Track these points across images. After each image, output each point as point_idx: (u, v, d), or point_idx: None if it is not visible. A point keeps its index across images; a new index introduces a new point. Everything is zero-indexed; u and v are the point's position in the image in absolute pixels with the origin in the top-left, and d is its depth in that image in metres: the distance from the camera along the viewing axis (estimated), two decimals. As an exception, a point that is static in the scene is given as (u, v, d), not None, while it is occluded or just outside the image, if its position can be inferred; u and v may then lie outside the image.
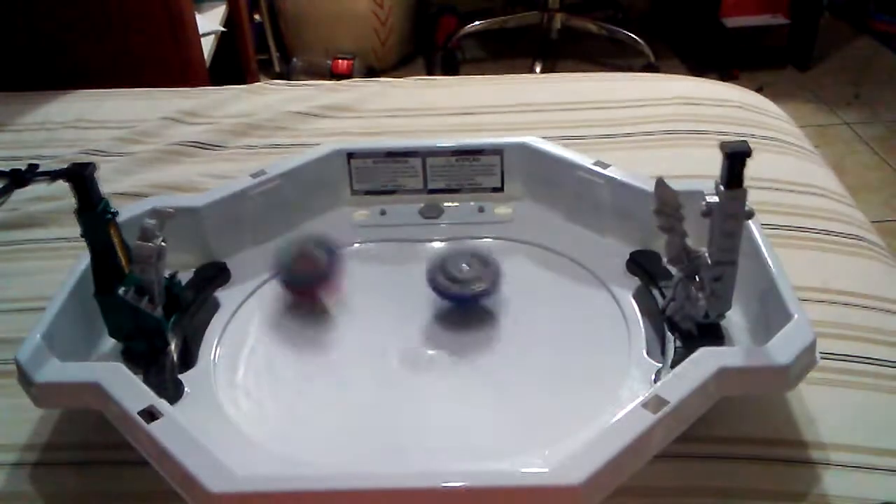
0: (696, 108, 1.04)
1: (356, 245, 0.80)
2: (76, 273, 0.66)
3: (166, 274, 0.67)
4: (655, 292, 0.69)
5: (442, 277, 0.69)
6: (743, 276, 0.62)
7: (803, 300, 0.62)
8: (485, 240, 0.79)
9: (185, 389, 0.62)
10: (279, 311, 0.72)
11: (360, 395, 0.64)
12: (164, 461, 0.52)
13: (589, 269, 0.74)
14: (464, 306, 0.70)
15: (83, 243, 0.63)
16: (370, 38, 2.38)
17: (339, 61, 2.32)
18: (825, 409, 0.62)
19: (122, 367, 0.57)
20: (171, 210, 0.65)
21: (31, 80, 1.35)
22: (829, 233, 0.81)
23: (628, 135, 0.99)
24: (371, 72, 2.38)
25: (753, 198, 0.59)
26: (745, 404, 0.62)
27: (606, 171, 0.77)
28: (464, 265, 0.69)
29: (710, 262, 0.62)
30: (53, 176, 0.96)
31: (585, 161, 0.78)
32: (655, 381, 0.61)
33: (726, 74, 2.33)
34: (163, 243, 0.64)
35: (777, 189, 0.87)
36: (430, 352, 0.67)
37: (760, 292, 0.64)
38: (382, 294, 0.74)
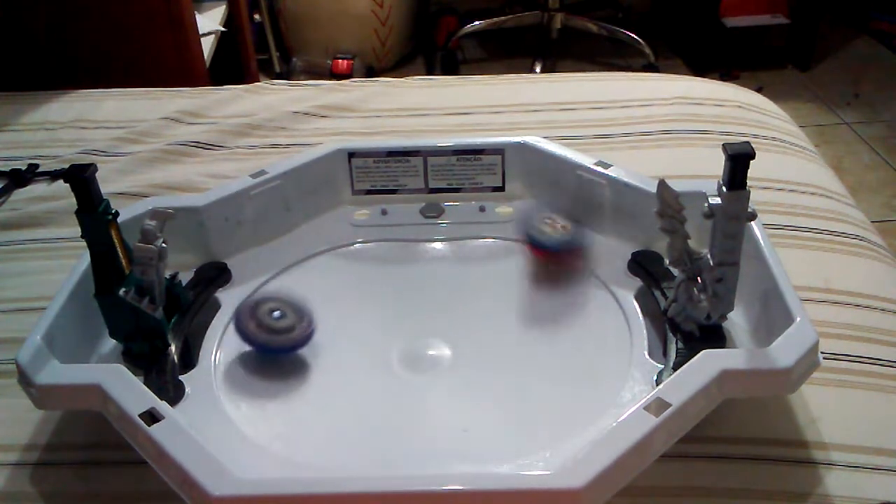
0: (697, 107, 1.04)
1: (356, 245, 0.80)
2: (76, 273, 0.66)
3: (167, 275, 0.67)
4: (657, 293, 0.69)
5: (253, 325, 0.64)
6: (745, 278, 0.62)
7: (804, 300, 0.62)
8: (485, 239, 0.79)
9: (186, 390, 0.62)
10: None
11: (361, 397, 0.64)
12: (165, 464, 0.51)
13: (590, 269, 0.74)
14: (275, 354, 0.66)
15: (83, 243, 0.63)
16: (370, 38, 2.38)
17: (339, 61, 2.32)
18: (826, 409, 0.62)
19: (123, 369, 0.57)
20: (170, 211, 0.65)
21: (31, 80, 1.35)
22: (829, 233, 0.81)
23: (628, 135, 0.99)
24: (371, 72, 2.38)
25: (753, 197, 0.59)
26: (745, 404, 0.62)
27: (608, 171, 0.77)
28: (275, 313, 0.64)
29: (712, 263, 0.61)
30: (53, 176, 0.96)
31: (587, 161, 0.78)
32: (657, 382, 0.61)
33: (727, 74, 2.33)
34: (163, 244, 0.64)
35: (777, 189, 0.87)
36: (431, 352, 0.67)
37: (762, 294, 0.64)
38: (382, 294, 0.74)
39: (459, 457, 0.58)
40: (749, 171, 0.58)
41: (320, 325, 0.69)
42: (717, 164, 0.59)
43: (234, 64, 1.91)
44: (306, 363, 0.67)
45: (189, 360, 0.66)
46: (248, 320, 0.64)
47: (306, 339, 0.65)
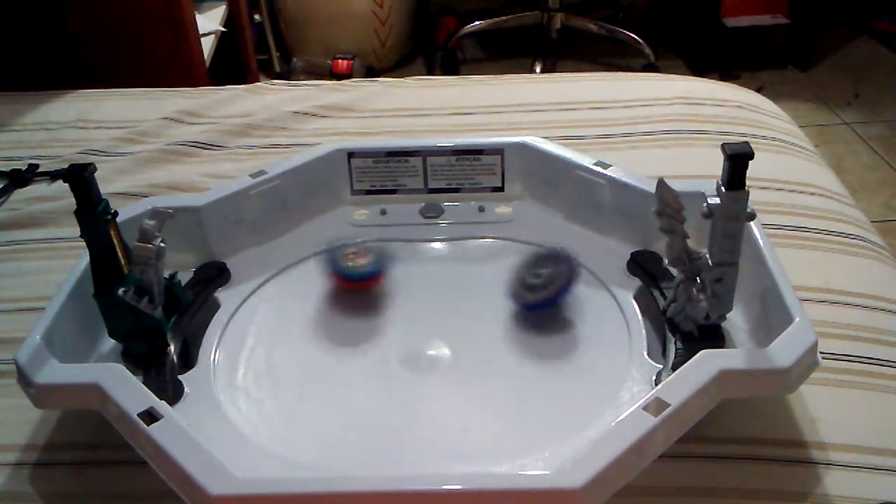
0: (697, 108, 1.04)
1: (356, 245, 0.79)
2: (76, 273, 0.66)
3: (166, 274, 0.67)
4: (656, 293, 0.69)
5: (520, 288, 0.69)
6: (744, 278, 0.62)
7: (804, 300, 0.62)
8: (485, 239, 0.79)
9: (185, 390, 0.62)
10: (282, 310, 0.72)
11: (360, 396, 0.64)
12: (164, 463, 0.52)
13: (589, 269, 0.74)
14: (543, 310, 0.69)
15: (83, 243, 0.63)
16: (370, 38, 2.38)
17: (339, 61, 2.32)
18: (826, 409, 0.62)
19: (122, 368, 0.57)
20: (170, 211, 0.65)
21: (31, 80, 1.35)
22: (829, 233, 0.81)
23: (628, 135, 0.99)
24: (371, 72, 2.38)
25: (753, 197, 0.59)
26: (745, 404, 0.62)
27: (607, 171, 0.77)
28: (539, 270, 0.69)
29: (711, 263, 0.61)
30: (53, 176, 0.96)
31: (586, 161, 0.78)
32: (656, 382, 0.61)
33: (727, 74, 2.33)
34: (162, 244, 0.64)
35: (777, 189, 0.87)
36: (431, 352, 0.67)
37: (761, 294, 0.64)
38: (382, 294, 0.74)
39: (459, 457, 0.58)
40: (749, 171, 0.58)
41: (318, 326, 0.70)
42: (717, 165, 0.59)
43: (234, 64, 1.91)
44: (306, 363, 0.67)
45: (188, 359, 0.66)
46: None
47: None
